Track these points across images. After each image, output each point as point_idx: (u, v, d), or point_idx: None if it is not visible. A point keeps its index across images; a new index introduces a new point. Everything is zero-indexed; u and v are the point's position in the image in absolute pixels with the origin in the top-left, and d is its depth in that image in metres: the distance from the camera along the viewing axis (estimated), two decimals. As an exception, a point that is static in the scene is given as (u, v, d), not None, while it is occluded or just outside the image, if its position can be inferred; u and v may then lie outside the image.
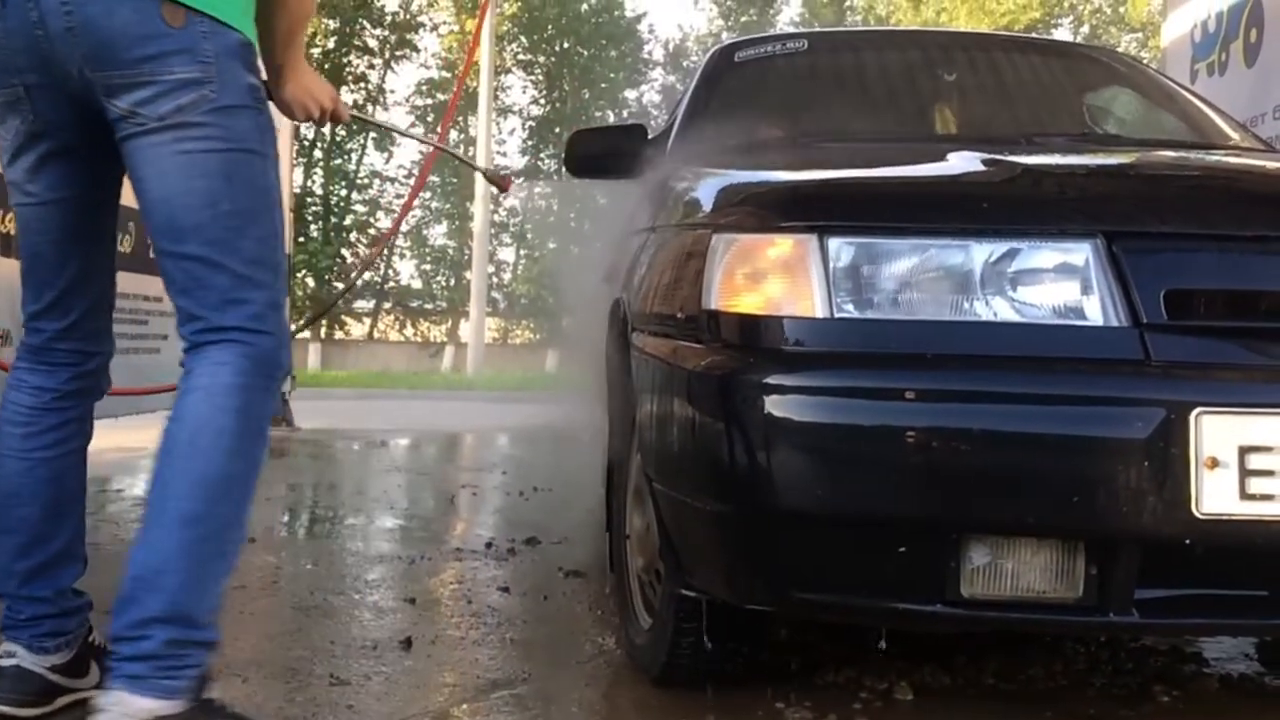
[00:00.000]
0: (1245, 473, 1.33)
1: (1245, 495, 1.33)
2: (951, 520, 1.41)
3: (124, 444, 4.38)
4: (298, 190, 19.91)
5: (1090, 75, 3.13)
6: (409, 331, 26.63)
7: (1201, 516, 1.33)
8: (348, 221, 24.81)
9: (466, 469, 5.63)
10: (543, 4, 24.73)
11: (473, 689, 1.94)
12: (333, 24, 23.42)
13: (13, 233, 2.58)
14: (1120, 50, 10.64)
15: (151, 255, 2.19)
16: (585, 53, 25.74)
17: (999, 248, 1.48)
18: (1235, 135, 2.68)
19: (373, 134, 24.64)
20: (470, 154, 19.62)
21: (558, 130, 24.15)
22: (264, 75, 1.65)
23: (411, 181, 23.96)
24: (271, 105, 1.74)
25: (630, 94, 26.50)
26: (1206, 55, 4.56)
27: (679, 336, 1.69)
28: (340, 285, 22.87)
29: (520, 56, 26.02)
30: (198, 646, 1.45)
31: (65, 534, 1.66)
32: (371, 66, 24.85)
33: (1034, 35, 13.97)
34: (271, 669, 2.00)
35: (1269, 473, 1.32)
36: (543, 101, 26.32)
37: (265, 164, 1.56)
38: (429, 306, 26.47)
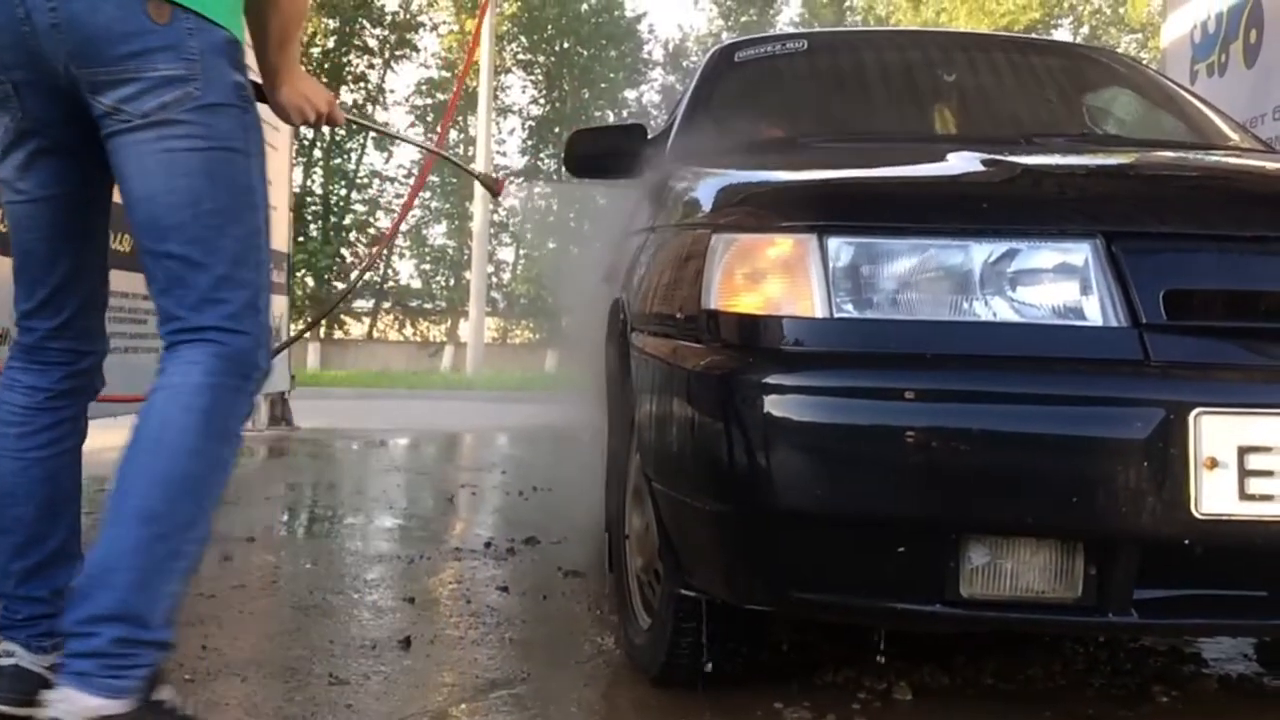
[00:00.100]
0: (1244, 473, 1.33)
1: (1244, 495, 1.33)
2: (951, 520, 1.41)
3: (122, 443, 4.37)
4: (297, 189, 19.88)
5: (1090, 76, 3.13)
6: (408, 331, 26.62)
7: (1200, 517, 1.33)
8: (347, 221, 24.79)
9: (466, 469, 5.63)
10: (543, 4, 24.70)
11: (471, 688, 1.94)
12: (332, 23, 23.41)
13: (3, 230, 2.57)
14: (1120, 51, 10.64)
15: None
16: (585, 53, 25.72)
17: (998, 248, 1.48)
18: (1235, 136, 2.68)
19: (372, 134, 24.64)
20: (470, 154, 19.63)
21: (557, 130, 24.13)
22: (253, 75, 1.64)
23: (411, 181, 23.96)
24: (265, 106, 1.74)
25: (630, 94, 26.51)
26: (1206, 56, 4.57)
27: (678, 336, 1.69)
28: (339, 285, 22.86)
29: (520, 56, 26.00)
30: (148, 646, 1.44)
31: (61, 533, 1.66)
32: (371, 66, 24.83)
33: (1034, 36, 13.96)
34: (270, 668, 2.00)
35: (1268, 473, 1.33)
36: (542, 101, 26.31)
37: (248, 163, 1.55)
38: (428, 306, 26.44)
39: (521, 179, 25.23)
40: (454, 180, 23.67)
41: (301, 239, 21.48)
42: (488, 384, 14.26)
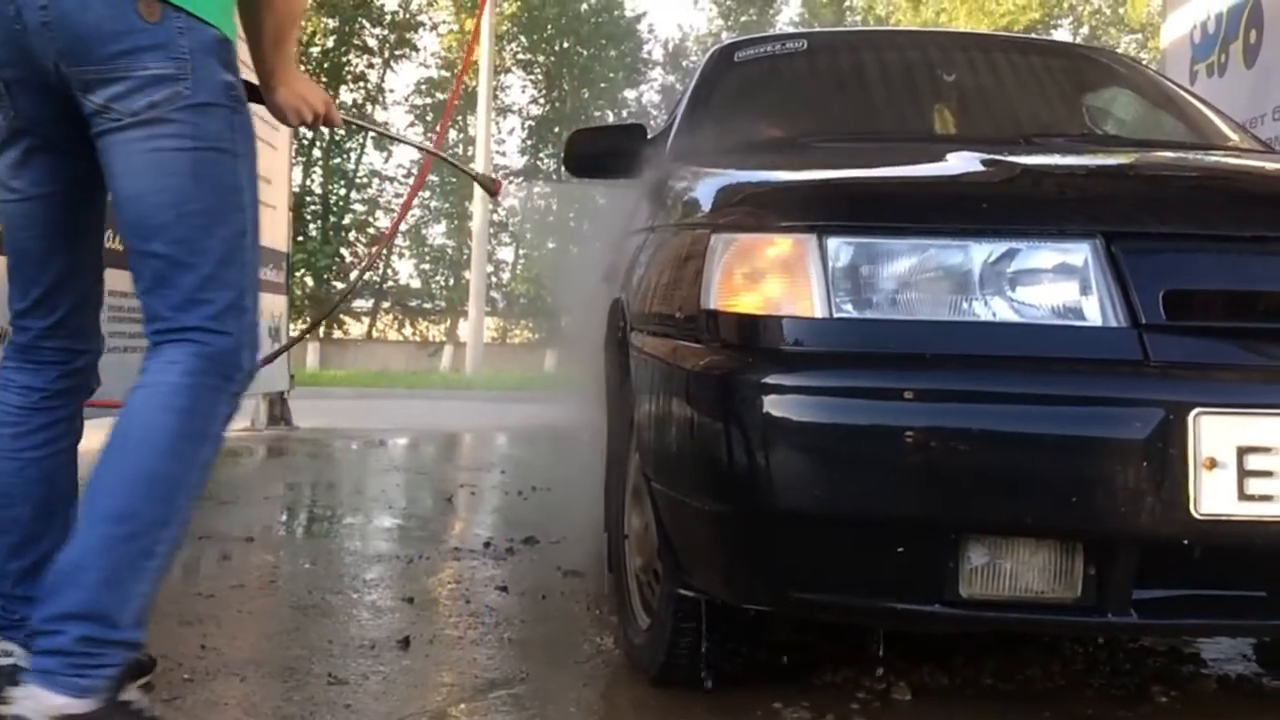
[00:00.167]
0: (1243, 473, 1.33)
1: (1244, 496, 1.33)
2: (950, 520, 1.41)
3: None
4: (297, 189, 19.88)
5: (1090, 76, 3.13)
6: (408, 331, 26.61)
7: (1200, 517, 1.33)
8: (346, 221, 24.79)
9: (465, 468, 5.63)
10: (542, 4, 24.70)
11: (470, 688, 1.94)
12: (332, 23, 23.40)
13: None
14: (1120, 51, 10.64)
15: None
16: (585, 52, 25.72)
17: (998, 248, 1.48)
18: (1234, 136, 2.68)
19: (371, 134, 24.64)
20: (470, 153, 19.62)
21: (557, 130, 24.12)
22: (246, 75, 1.64)
23: (410, 181, 23.96)
24: (261, 107, 1.74)
25: (630, 94, 26.51)
26: (1206, 56, 4.57)
27: (678, 336, 1.69)
28: (339, 284, 22.85)
29: (519, 56, 26.00)
30: (115, 646, 1.43)
31: (57, 534, 1.65)
32: (371, 66, 24.82)
33: (1033, 36, 13.96)
34: (269, 668, 2.00)
35: (1267, 473, 1.32)
36: (542, 101, 26.31)
37: (236, 163, 1.55)
38: (428, 306, 26.44)
39: (521, 179, 25.24)
40: (453, 180, 23.67)
41: (301, 239, 21.47)
42: (487, 384, 14.25)
